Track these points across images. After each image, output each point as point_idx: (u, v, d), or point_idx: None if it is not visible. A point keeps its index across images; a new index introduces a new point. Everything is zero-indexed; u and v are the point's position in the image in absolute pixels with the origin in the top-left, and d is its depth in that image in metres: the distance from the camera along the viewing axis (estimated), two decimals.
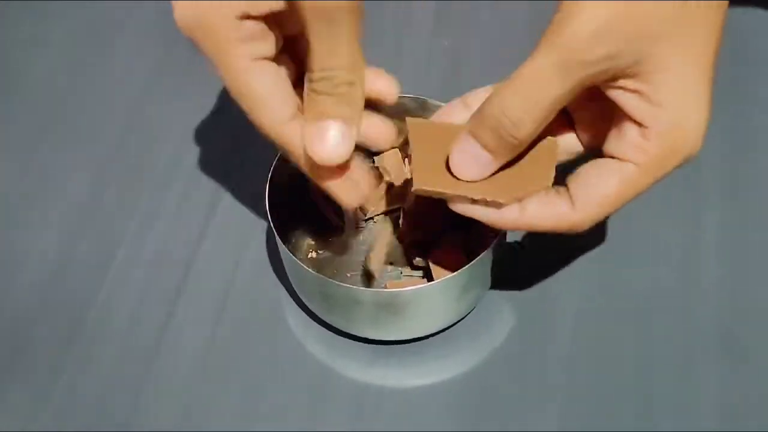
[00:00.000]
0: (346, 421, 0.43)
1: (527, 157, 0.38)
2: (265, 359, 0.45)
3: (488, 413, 0.43)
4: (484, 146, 0.36)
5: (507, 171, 0.37)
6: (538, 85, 0.33)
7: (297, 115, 0.36)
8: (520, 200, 0.37)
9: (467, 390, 0.44)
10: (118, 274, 0.49)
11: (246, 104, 0.36)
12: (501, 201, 0.37)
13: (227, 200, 0.52)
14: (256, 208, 0.51)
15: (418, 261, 0.47)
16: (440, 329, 0.45)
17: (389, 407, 0.44)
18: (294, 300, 0.47)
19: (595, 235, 0.48)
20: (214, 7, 0.34)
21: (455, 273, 0.40)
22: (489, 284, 0.45)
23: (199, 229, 0.51)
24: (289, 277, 0.46)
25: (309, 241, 0.49)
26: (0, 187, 0.53)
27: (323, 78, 0.34)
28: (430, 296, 0.42)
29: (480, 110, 0.36)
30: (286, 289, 0.48)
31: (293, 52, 0.39)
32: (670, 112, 0.34)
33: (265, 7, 0.34)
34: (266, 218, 0.43)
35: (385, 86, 0.38)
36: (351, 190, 0.38)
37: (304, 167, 0.37)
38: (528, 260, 0.48)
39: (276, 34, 0.37)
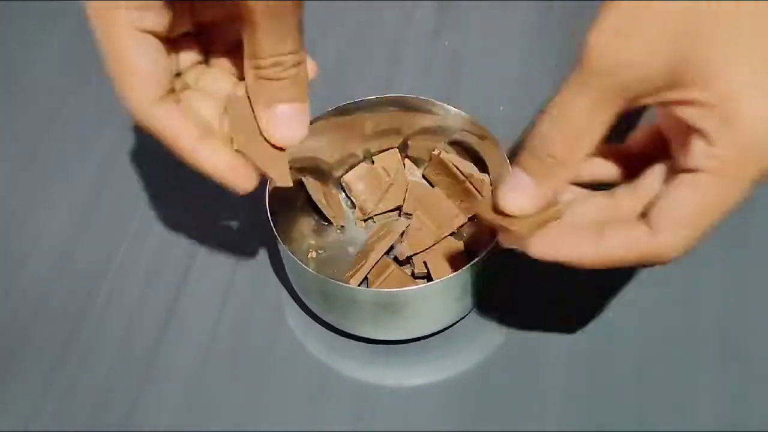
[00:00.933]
0: (345, 420, 0.43)
1: None
2: (265, 359, 0.45)
3: (488, 413, 0.43)
4: (531, 175, 0.34)
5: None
6: (578, 117, 0.32)
7: (167, 98, 0.35)
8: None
9: (467, 390, 0.44)
10: (118, 274, 0.49)
11: (116, 76, 0.35)
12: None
13: (227, 200, 0.52)
14: (256, 208, 0.51)
15: (419, 272, 0.47)
16: (440, 329, 0.45)
17: (389, 407, 0.44)
18: (294, 300, 0.47)
19: None
20: None
21: (455, 273, 0.40)
22: (489, 284, 0.45)
23: (198, 229, 0.51)
24: (289, 277, 0.46)
25: (309, 241, 0.49)
26: (0, 187, 0.53)
27: (275, 64, 0.34)
28: (430, 296, 0.42)
29: (527, 146, 0.34)
30: (286, 289, 0.48)
31: (201, 38, 0.38)
32: (733, 116, 0.31)
33: None
34: (266, 218, 0.43)
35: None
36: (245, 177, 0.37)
37: (182, 153, 0.36)
38: (527, 260, 0.48)
39: (180, 15, 0.36)
